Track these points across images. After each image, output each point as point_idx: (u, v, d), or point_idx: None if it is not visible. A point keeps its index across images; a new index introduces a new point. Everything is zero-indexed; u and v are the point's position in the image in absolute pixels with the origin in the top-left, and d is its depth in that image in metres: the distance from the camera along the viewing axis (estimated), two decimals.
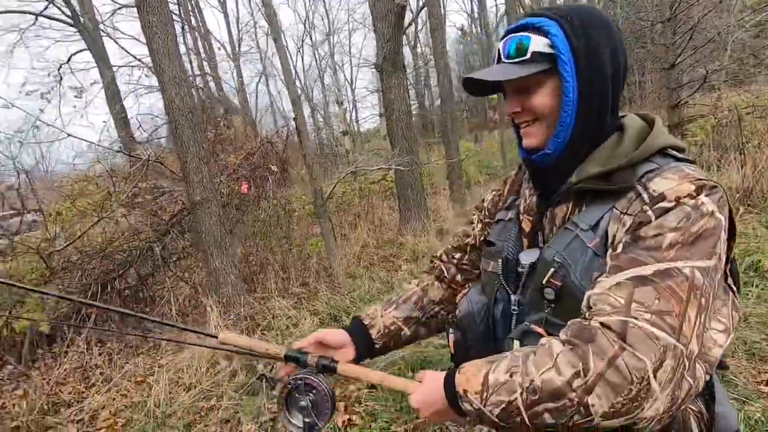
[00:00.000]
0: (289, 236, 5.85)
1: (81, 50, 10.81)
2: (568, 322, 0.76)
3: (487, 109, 21.45)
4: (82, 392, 3.85)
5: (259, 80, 24.58)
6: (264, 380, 2.95)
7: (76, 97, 9.37)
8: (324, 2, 29.67)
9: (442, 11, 15.28)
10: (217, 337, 1.02)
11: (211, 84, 14.84)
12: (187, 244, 5.95)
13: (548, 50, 0.82)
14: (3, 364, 4.23)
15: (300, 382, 0.95)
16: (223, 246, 3.74)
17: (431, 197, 8.96)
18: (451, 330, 1.03)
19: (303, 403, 0.95)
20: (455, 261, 1.18)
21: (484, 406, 0.74)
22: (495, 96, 1.33)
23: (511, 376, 0.73)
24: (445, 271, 1.19)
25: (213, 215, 3.69)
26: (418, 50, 22.06)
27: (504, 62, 0.87)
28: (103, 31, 11.21)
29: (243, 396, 2.86)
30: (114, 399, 3.53)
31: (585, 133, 0.85)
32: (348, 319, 3.93)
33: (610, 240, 0.79)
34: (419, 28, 20.87)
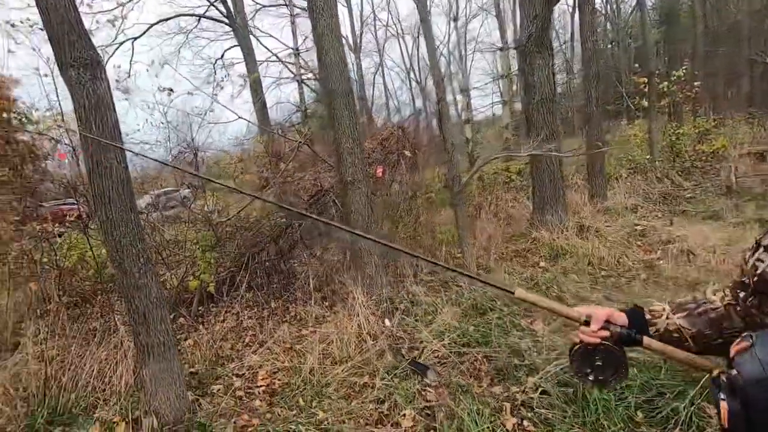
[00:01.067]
0: (418, 222, 5.79)
1: (232, 46, 12.23)
2: None
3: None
4: (239, 350, 4.28)
5: (376, 72, 25.29)
6: (415, 366, 2.88)
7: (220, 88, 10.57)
8: None
9: None
10: (513, 293, 1.04)
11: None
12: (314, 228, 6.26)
13: None
14: (178, 316, 4.88)
15: (601, 347, 0.97)
16: (370, 226, 3.78)
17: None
18: (722, 396, 0.76)
19: (598, 363, 0.98)
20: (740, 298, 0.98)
21: None
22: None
23: None
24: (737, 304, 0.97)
25: (362, 196, 3.74)
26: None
27: None
28: (251, 29, 12.48)
29: (394, 378, 2.82)
30: (267, 360, 3.84)
31: None
32: (492, 314, 3.71)
33: None
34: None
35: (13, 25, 4.65)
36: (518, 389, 2.49)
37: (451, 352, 2.96)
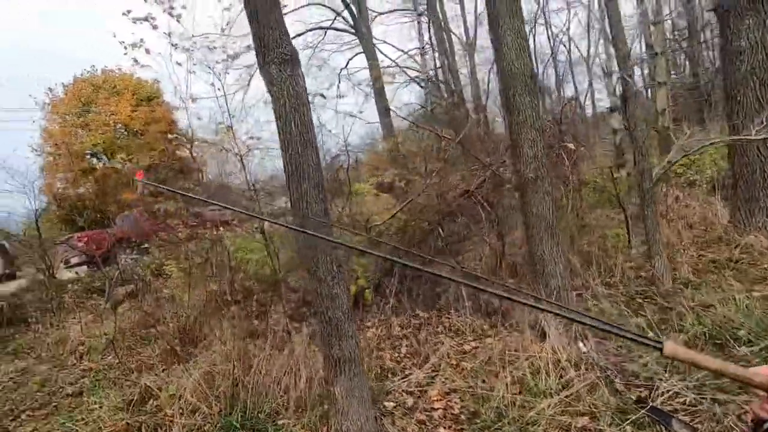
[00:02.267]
0: (584, 225, 4.99)
1: (356, 54, 12.64)
2: None
3: None
4: (399, 361, 4.04)
5: (490, 69, 24.11)
6: (655, 414, 2.23)
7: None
8: None
9: None
10: (661, 349, 0.76)
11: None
12: (462, 229, 5.83)
13: None
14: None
15: None
16: (554, 231, 3.21)
17: None
18: None
19: None
20: None
21: None
22: None
23: None
24: None
25: (546, 195, 3.19)
26: None
27: None
28: (375, 38, 12.73)
29: (626, 424, 2.21)
30: (435, 377, 3.52)
31: None
32: (739, 344, 2.84)
33: None
34: None
35: (194, 43, 5.25)
36: None
37: (702, 398, 2.24)
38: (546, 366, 2.74)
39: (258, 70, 2.37)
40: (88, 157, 17.28)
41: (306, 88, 2.28)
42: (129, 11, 4.29)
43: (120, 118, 17.32)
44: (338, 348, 2.34)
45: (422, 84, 13.44)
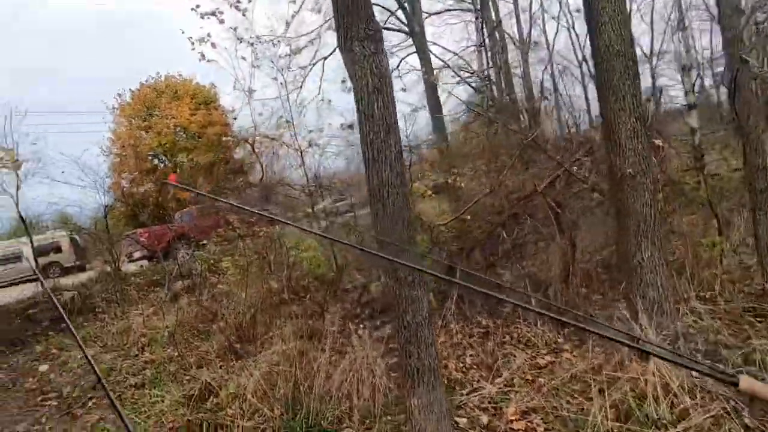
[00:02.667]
0: (673, 229, 4.45)
1: (410, 54, 12.47)
2: None
3: None
4: (466, 373, 3.74)
5: (545, 69, 23.13)
6: None
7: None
8: None
9: None
10: (736, 384, 0.67)
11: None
12: (529, 233, 5.43)
13: None
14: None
15: None
16: (656, 236, 2.80)
17: None
18: None
19: None
20: None
21: None
22: None
23: None
24: None
25: (646, 193, 2.79)
26: None
27: None
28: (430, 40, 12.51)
29: None
30: (510, 393, 3.19)
31: None
32: None
33: None
34: None
35: (258, 38, 5.30)
36: None
37: None
38: (654, 391, 2.34)
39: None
40: (150, 157, 18.28)
41: (389, 68, 2.07)
42: (197, 6, 4.35)
43: (179, 121, 18.20)
44: (416, 357, 2.09)
45: (474, 85, 13.02)
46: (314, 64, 12.37)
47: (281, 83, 4.46)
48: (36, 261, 9.39)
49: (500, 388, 3.28)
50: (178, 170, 17.05)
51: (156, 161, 18.38)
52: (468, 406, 3.07)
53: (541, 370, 3.53)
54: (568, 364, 3.41)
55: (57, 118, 27.55)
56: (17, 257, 12.72)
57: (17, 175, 8.08)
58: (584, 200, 5.07)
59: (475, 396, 3.17)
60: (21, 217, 8.63)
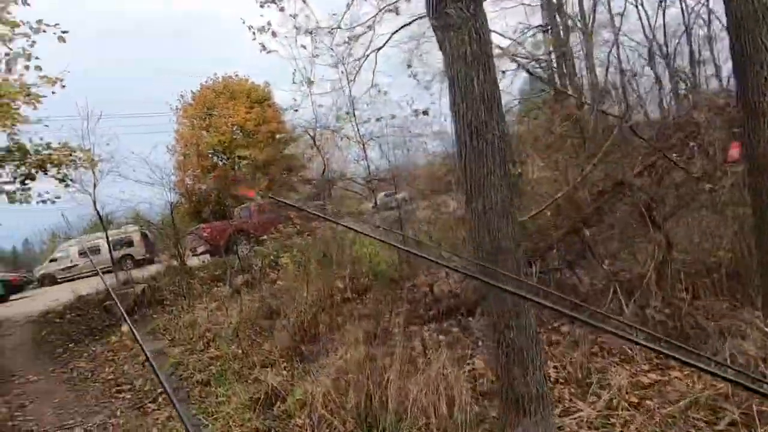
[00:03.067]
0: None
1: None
2: None
3: None
4: (551, 386, 3.32)
5: (610, 51, 21.39)
6: None
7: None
8: None
9: None
10: None
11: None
12: (616, 228, 4.83)
13: None
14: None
15: None
16: None
17: None
18: None
19: None
20: None
21: None
22: None
23: None
24: None
25: None
26: None
27: None
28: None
29: None
30: (609, 416, 2.74)
31: None
32: None
33: None
34: None
35: (318, 24, 5.14)
36: None
37: None
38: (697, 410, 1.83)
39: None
40: (210, 155, 19.06)
41: (490, 32, 1.71)
42: None
43: (236, 120, 18.78)
44: (522, 382, 1.73)
45: (533, 71, 12.16)
46: (367, 56, 12.15)
47: (342, 72, 4.20)
48: (111, 254, 9.98)
49: (599, 411, 2.84)
50: (236, 168, 17.60)
51: (216, 159, 19.13)
52: (565, 431, 2.67)
53: (646, 390, 3.04)
54: (682, 386, 2.90)
55: (130, 120, 29.62)
56: (97, 250, 13.73)
57: (94, 174, 8.57)
58: (685, 191, 4.41)
59: (572, 419, 2.76)
60: (98, 213, 9.19)
